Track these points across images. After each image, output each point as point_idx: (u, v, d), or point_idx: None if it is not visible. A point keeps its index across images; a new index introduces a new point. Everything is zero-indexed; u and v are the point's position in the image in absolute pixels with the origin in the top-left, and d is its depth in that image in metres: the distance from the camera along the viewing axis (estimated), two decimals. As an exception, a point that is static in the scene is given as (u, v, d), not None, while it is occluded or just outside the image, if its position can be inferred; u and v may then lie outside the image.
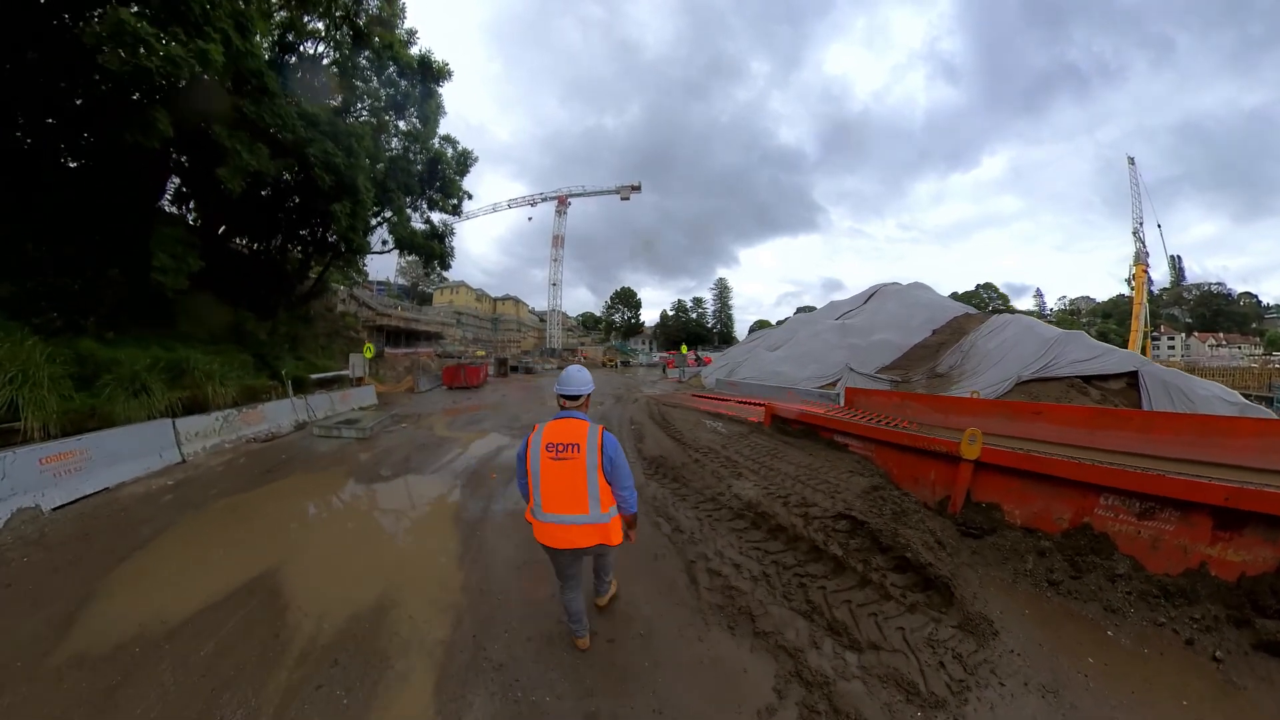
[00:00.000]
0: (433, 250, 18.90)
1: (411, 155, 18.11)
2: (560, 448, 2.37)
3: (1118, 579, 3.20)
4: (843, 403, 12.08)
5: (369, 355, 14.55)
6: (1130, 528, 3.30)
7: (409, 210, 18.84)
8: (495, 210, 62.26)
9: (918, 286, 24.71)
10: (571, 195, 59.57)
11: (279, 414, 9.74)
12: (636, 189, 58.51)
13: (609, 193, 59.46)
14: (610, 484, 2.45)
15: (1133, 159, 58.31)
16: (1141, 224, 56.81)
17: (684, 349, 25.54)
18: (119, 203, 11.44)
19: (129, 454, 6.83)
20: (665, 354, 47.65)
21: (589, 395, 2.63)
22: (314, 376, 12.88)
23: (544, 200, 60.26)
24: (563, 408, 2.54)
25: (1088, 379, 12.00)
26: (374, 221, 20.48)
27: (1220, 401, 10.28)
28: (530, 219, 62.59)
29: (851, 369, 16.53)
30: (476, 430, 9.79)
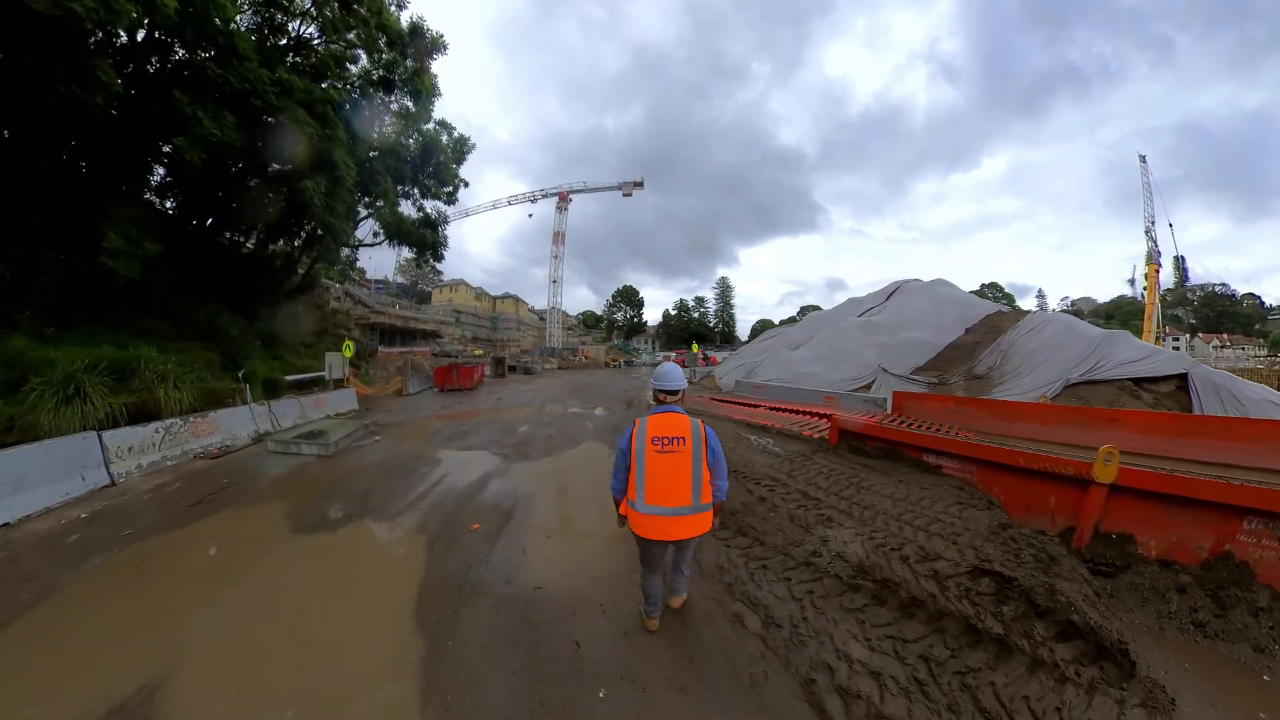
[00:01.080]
0: (424, 239, 17.37)
1: (403, 139, 16.61)
2: (666, 441, 2.42)
3: (1260, 612, 2.93)
4: (890, 408, 11.14)
5: (348, 354, 12.80)
6: (1271, 553, 3.07)
7: (400, 198, 17.37)
8: (495, 207, 60.83)
9: (941, 283, 23.42)
10: (573, 191, 58.13)
11: (235, 423, 8.18)
12: (639, 185, 57.06)
13: (611, 189, 58.03)
14: (710, 474, 2.53)
15: (1144, 157, 57.46)
16: (1153, 223, 56.08)
17: (695, 347, 23.79)
18: (68, 180, 10.03)
19: (42, 477, 5.43)
20: (674, 353, 46.00)
21: (685, 391, 2.67)
22: (290, 378, 11.39)
23: (545, 196, 58.80)
24: (662, 402, 2.60)
25: (1137, 381, 11.21)
26: (363, 213, 19.11)
27: (1271, 404, 9.56)
28: (531, 215, 61.24)
29: (885, 370, 15.22)
30: (461, 446, 8.08)
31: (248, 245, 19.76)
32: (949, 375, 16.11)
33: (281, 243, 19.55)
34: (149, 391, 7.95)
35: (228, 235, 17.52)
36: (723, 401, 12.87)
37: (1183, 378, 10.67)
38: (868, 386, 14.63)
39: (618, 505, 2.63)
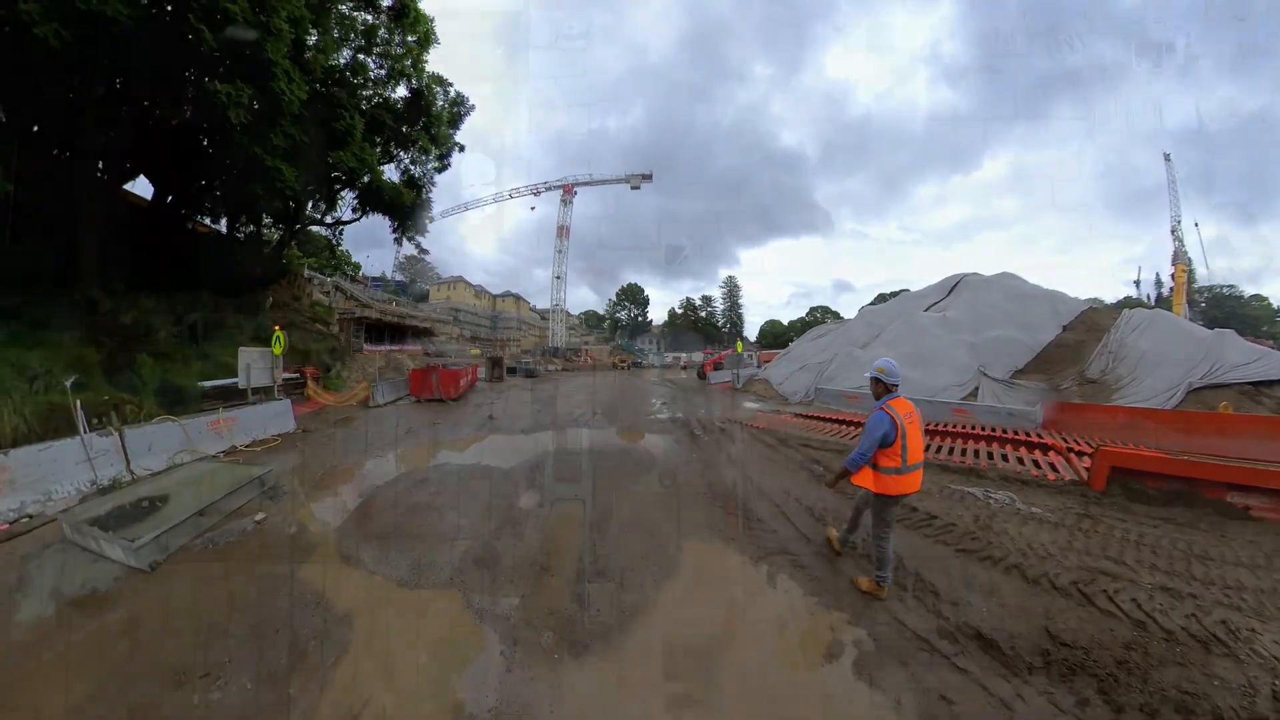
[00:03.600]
0: (403, 201, 13.78)
1: (383, 71, 12.98)
2: (908, 414, 3.15)
3: None
4: (1040, 421, 8.67)
5: (278, 350, 8.82)
6: None
7: (382, 162, 14.09)
8: (497, 200, 57.81)
9: (1008, 276, 20.65)
10: (578, 184, 55.00)
11: (54, 469, 4.61)
12: (648, 178, 53.99)
13: (619, 181, 54.98)
14: None
15: (1169, 155, 55.42)
16: (1179, 222, 54.17)
17: (740, 347, 19.88)
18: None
19: None
20: (704, 351, 41.81)
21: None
22: (207, 384, 8.13)
23: (549, 189, 55.73)
24: (892, 390, 3.26)
25: (1255, 385, 10.59)
26: (338, 188, 15.88)
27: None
28: (533, 208, 58.45)
29: (985, 374, 12.27)
30: (407, 570, 3.49)
31: (206, 222, 16.71)
32: (1059, 379, 13.36)
33: (244, 220, 16.47)
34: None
35: (186, 212, 14.47)
36: (811, 418, 9.81)
37: (1295, 381, 9.68)
38: (973, 394, 11.68)
39: (850, 473, 3.20)
